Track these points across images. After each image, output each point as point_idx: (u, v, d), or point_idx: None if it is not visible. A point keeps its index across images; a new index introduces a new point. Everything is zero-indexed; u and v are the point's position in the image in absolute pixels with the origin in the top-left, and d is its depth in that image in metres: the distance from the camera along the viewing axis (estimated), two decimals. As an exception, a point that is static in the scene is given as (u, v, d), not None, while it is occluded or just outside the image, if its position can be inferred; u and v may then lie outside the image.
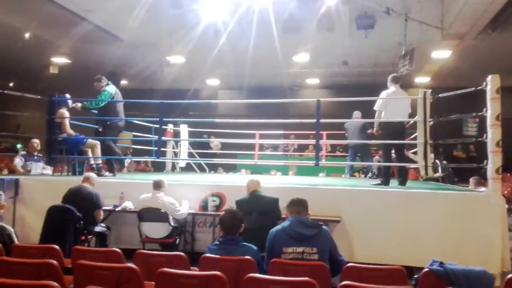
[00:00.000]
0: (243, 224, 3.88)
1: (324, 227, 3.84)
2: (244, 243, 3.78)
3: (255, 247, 3.78)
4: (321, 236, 3.71)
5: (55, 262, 3.24)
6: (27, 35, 12.13)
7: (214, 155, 13.38)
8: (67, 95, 7.84)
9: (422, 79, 15.95)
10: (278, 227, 3.84)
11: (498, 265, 4.95)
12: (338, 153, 14.64)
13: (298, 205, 3.92)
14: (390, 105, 6.71)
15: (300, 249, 3.62)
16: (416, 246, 5.25)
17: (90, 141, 7.48)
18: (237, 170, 13.18)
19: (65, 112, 7.56)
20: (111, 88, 7.67)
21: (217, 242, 3.86)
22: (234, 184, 6.48)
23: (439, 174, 10.23)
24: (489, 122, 5.36)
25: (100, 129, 7.73)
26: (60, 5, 10.25)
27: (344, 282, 2.86)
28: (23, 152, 8.68)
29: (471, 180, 7.50)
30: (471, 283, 3.11)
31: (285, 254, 3.63)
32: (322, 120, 6.84)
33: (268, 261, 3.61)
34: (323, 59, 14.30)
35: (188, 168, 12.57)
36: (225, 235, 3.80)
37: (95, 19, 11.04)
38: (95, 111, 7.80)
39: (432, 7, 11.06)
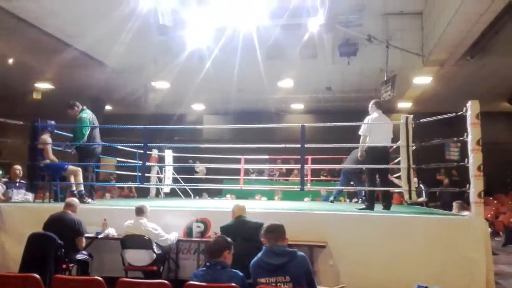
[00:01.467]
0: (229, 250, 3.86)
1: (299, 253, 3.80)
2: (230, 269, 3.75)
3: (240, 273, 3.75)
4: (294, 263, 3.69)
5: (34, 291, 3.16)
6: (10, 61, 12.08)
7: (199, 180, 13.30)
8: (52, 122, 7.77)
9: (404, 104, 16.22)
10: (256, 257, 3.83)
11: (483, 289, 4.97)
12: (322, 178, 14.72)
13: (274, 232, 3.91)
14: (374, 130, 6.80)
15: (273, 279, 3.63)
16: (401, 270, 5.23)
17: (71, 167, 7.38)
18: (222, 195, 13.11)
19: (47, 138, 7.48)
20: (87, 114, 7.58)
21: (203, 268, 3.82)
22: (219, 209, 6.44)
23: (423, 198, 10.31)
24: (470, 147, 5.45)
25: (70, 150, 7.60)
26: (44, 31, 10.27)
27: (330, 309, 2.84)
28: (4, 179, 8.53)
29: (454, 204, 7.56)
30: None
31: (261, 285, 3.60)
32: (306, 145, 6.88)
33: None
34: (307, 85, 14.50)
35: (172, 194, 12.46)
36: (209, 258, 3.80)
37: (79, 45, 11.07)
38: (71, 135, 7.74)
39: (412, 35, 11.35)
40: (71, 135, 7.71)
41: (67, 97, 8.48)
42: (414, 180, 6.76)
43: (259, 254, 3.84)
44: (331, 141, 7.44)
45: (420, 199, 9.84)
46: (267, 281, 3.63)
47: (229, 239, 3.99)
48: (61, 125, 7.82)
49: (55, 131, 7.80)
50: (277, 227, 3.94)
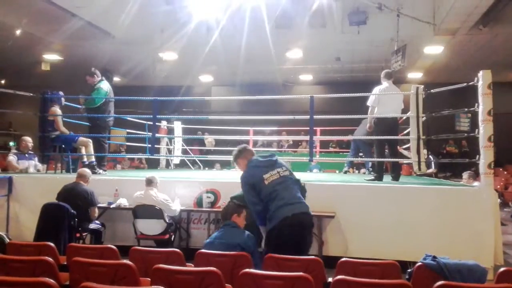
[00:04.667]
0: (238, 214, 4.03)
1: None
2: (243, 230, 3.95)
3: (252, 235, 3.91)
4: (279, 159, 4.20)
5: (50, 259, 3.23)
6: (18, 32, 12.03)
7: (208, 152, 13.35)
8: (60, 93, 7.81)
9: (415, 75, 16.01)
10: (250, 164, 4.17)
11: (491, 259, 5.01)
12: (331, 149, 14.71)
13: (248, 149, 4.36)
14: (383, 101, 6.74)
15: (274, 171, 4.01)
16: (409, 240, 5.29)
17: (82, 139, 7.45)
18: (231, 166, 13.18)
19: (57, 109, 7.52)
20: (105, 86, 7.63)
21: (217, 232, 3.98)
22: (229, 180, 6.49)
23: (432, 169, 10.30)
24: (480, 117, 5.40)
25: (83, 112, 7.67)
26: (51, 1, 10.17)
27: (338, 277, 2.89)
28: (15, 151, 8.62)
29: (465, 174, 7.55)
30: (464, 276, 3.15)
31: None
32: (315, 116, 6.86)
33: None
34: (316, 55, 14.31)
35: (182, 165, 12.56)
36: (224, 220, 4.03)
37: (86, 15, 10.97)
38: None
39: (424, 3, 11.10)
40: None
41: (75, 69, 8.47)
42: (424, 151, 6.74)
43: (252, 164, 4.13)
44: (340, 113, 7.41)
45: (430, 170, 9.84)
46: (271, 174, 3.97)
47: (240, 204, 4.09)
48: (71, 96, 7.83)
49: (64, 102, 7.85)
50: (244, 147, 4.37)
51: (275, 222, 3.81)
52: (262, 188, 3.93)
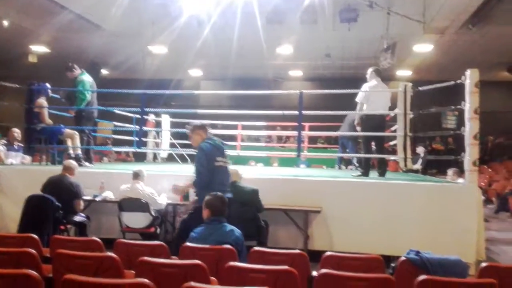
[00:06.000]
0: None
1: None
2: (228, 225, 3.87)
3: (239, 230, 3.86)
4: None
5: (33, 251, 3.22)
6: (5, 23, 11.86)
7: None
8: (47, 84, 7.72)
9: (404, 73, 16.09)
10: (206, 143, 4.56)
11: (473, 255, 5.08)
12: (319, 145, 14.76)
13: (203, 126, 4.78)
14: (372, 98, 6.77)
15: (224, 159, 4.59)
16: (393, 236, 5.34)
17: (68, 131, 7.38)
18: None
19: (43, 101, 7.45)
20: (88, 77, 7.55)
21: (202, 226, 3.89)
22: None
23: (418, 166, 10.39)
24: (467, 115, 5.46)
25: (73, 114, 7.59)
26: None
27: (323, 271, 2.91)
28: (3, 141, 8.53)
29: (449, 171, 7.62)
30: (446, 271, 3.19)
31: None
32: (304, 112, 6.87)
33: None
34: (306, 51, 14.32)
35: (170, 159, 12.51)
36: (214, 216, 3.88)
37: (75, 8, 10.83)
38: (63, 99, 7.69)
39: (414, 1, 11.13)
40: (67, 98, 7.65)
41: (63, 61, 8.36)
42: (419, 148, 6.78)
43: (211, 142, 4.56)
44: (329, 109, 7.43)
45: (416, 167, 9.93)
46: (222, 160, 4.55)
47: (225, 198, 4.05)
48: (58, 88, 7.75)
49: (51, 94, 7.77)
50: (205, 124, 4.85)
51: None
52: (211, 167, 4.41)
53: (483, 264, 3.18)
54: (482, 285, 2.67)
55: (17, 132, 8.12)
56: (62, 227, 5.44)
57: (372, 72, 7.03)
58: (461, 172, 6.59)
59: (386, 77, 8.20)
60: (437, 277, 2.82)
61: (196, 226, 3.91)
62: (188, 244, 3.62)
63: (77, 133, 7.38)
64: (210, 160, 4.43)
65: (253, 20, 11.03)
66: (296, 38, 12.65)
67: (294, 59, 15.12)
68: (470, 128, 5.41)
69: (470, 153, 5.40)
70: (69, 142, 7.39)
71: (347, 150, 9.64)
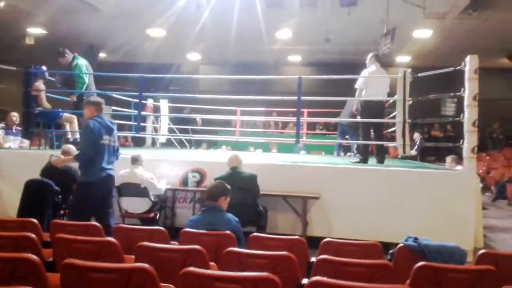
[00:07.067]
0: (225, 197, 3.92)
1: None
2: (226, 213, 3.84)
3: (236, 218, 3.84)
4: None
5: (33, 235, 3.22)
6: (1, 4, 11.71)
7: (195, 131, 13.30)
8: (44, 67, 7.65)
9: (403, 58, 16.01)
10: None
11: (471, 242, 5.12)
12: (318, 131, 14.75)
13: None
14: (371, 84, 6.74)
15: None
16: (392, 222, 5.37)
17: (67, 115, 7.34)
18: (218, 146, 13.16)
19: (41, 84, 7.38)
20: (82, 61, 7.42)
21: (199, 213, 3.90)
22: (215, 160, 6.48)
23: (413, 151, 10.37)
24: (466, 102, 5.45)
25: (74, 99, 7.51)
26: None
27: (321, 256, 2.93)
28: (2, 125, 8.49)
29: (448, 158, 7.64)
30: (444, 257, 3.21)
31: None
32: (303, 98, 6.84)
33: None
34: (305, 36, 14.20)
35: (168, 144, 12.49)
36: (207, 201, 3.90)
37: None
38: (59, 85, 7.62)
39: (415, -14, 11.03)
40: (63, 84, 7.57)
41: (60, 43, 8.28)
42: (416, 134, 6.78)
43: (101, 120, 4.69)
44: (328, 94, 7.41)
45: (412, 153, 9.93)
46: (108, 139, 4.71)
47: (228, 186, 4.02)
48: (55, 71, 7.68)
49: (48, 77, 7.69)
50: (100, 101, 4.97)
51: (90, 178, 4.61)
52: (96, 143, 4.60)
53: (481, 251, 3.20)
54: (480, 272, 2.69)
55: (15, 116, 8.08)
56: (62, 212, 5.45)
57: (372, 57, 6.99)
58: (459, 159, 6.61)
59: (385, 63, 8.14)
60: (435, 264, 2.84)
61: (83, 205, 4.57)
62: (187, 229, 3.63)
63: (75, 117, 7.34)
64: (95, 137, 4.62)
65: (253, 4, 10.93)
66: (295, 22, 12.54)
67: (294, 44, 15.01)
68: (469, 115, 5.41)
69: (469, 140, 5.40)
70: (67, 126, 7.35)
71: (347, 137, 9.62)
